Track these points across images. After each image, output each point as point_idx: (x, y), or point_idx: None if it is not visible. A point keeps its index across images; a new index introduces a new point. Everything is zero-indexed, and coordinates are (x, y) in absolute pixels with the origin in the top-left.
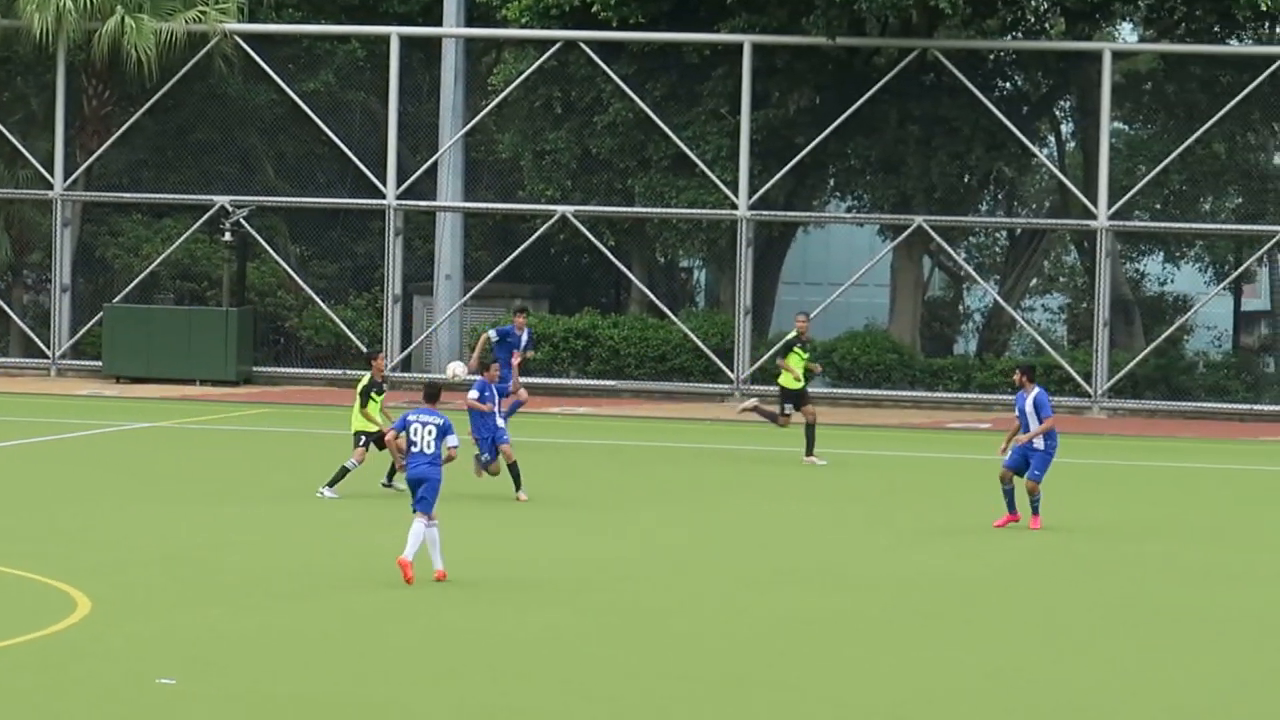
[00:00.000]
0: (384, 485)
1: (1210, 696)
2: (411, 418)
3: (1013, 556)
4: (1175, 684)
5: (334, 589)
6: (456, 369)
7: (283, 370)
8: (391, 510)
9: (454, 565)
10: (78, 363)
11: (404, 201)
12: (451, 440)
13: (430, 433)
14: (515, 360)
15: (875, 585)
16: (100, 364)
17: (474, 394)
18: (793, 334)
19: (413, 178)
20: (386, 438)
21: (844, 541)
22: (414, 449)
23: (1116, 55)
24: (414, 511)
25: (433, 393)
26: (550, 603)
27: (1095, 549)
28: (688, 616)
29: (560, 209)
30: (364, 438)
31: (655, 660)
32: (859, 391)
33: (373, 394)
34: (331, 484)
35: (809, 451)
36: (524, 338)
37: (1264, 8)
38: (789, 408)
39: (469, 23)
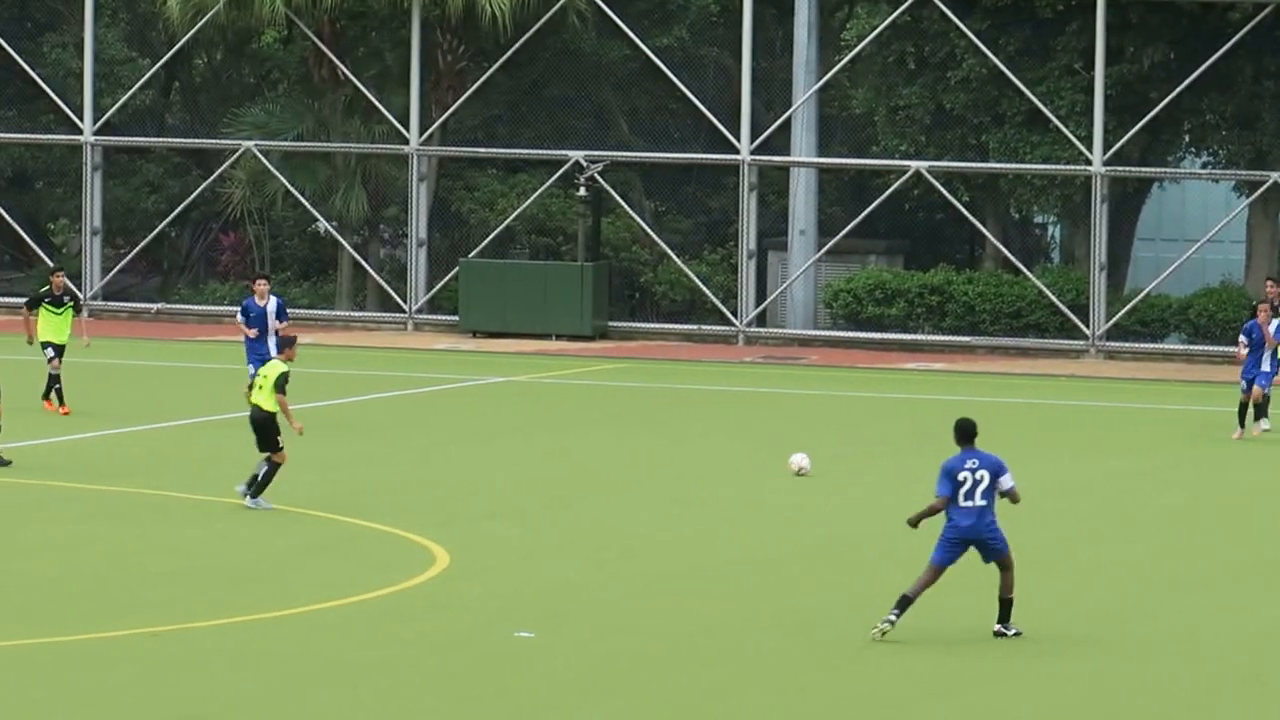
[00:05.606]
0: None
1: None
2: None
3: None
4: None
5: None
6: (802, 463)
7: (637, 325)
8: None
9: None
10: (434, 317)
11: (758, 157)
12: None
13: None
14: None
15: None
16: (456, 318)
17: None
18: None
19: (766, 133)
20: None
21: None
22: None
23: None
24: None
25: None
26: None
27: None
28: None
29: (914, 164)
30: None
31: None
32: (1215, 349)
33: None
34: None
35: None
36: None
37: None
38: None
39: None
